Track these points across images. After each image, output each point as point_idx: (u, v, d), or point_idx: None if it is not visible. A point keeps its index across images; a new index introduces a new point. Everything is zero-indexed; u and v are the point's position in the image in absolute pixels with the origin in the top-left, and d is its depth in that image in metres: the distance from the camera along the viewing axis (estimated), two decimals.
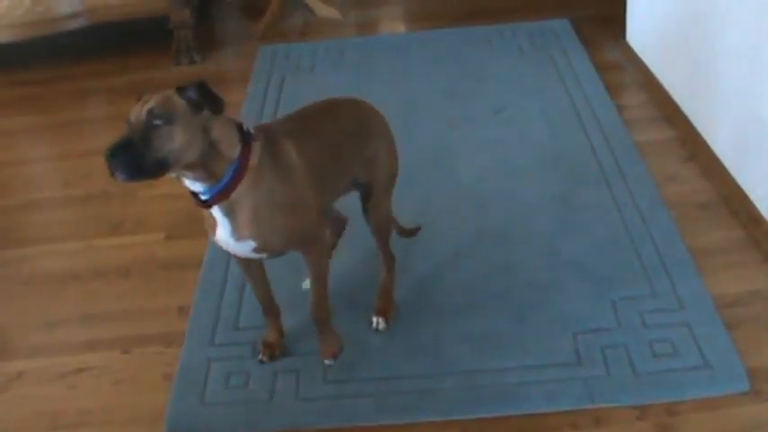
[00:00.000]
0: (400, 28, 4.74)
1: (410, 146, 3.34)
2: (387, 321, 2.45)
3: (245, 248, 2.09)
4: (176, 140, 1.82)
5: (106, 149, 1.79)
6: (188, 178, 1.93)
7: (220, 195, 1.95)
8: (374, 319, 2.45)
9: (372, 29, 4.65)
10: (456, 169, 3.16)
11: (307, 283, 2.49)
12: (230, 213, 2.00)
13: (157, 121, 1.80)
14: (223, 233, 2.05)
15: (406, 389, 2.25)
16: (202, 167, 1.90)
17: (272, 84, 3.94)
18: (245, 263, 2.26)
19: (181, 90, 1.86)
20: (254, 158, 1.97)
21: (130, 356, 2.49)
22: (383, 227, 2.45)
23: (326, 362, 2.34)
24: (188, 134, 1.84)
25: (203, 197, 1.97)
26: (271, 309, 2.38)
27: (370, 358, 2.35)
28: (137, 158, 1.79)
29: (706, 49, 3.01)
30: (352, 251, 2.69)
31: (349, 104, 2.37)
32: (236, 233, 2.03)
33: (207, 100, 1.86)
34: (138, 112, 1.83)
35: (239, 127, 1.99)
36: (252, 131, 2.01)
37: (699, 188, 2.95)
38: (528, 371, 2.27)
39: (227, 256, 2.77)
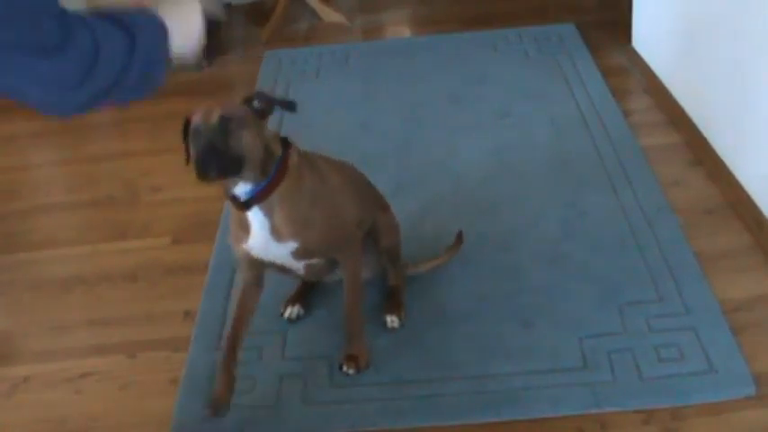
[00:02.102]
0: (406, 33, 4.75)
1: (415, 150, 3.35)
2: (401, 319, 2.46)
3: (284, 251, 2.14)
4: (248, 142, 1.99)
5: (196, 158, 1.93)
6: (243, 180, 2.03)
7: (262, 193, 2.05)
8: (388, 318, 2.46)
9: (378, 33, 4.66)
10: (461, 174, 3.16)
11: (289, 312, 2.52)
12: (269, 213, 2.08)
13: (232, 126, 1.97)
14: (261, 235, 2.11)
15: (412, 394, 2.25)
16: (260, 166, 2.03)
17: (277, 89, 3.94)
18: (246, 293, 2.27)
19: (247, 100, 2.04)
20: (293, 157, 2.10)
21: (137, 361, 2.49)
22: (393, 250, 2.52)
23: (346, 369, 2.32)
24: (255, 135, 2.01)
25: (244, 198, 2.05)
26: (234, 352, 2.21)
27: (376, 363, 2.35)
28: (222, 159, 1.94)
29: (712, 54, 3.01)
30: None
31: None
32: (276, 233, 2.10)
33: (278, 105, 2.09)
34: (205, 120, 1.97)
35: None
36: (287, 137, 2.15)
37: (705, 193, 2.95)
38: (534, 376, 2.27)
39: (233, 260, 2.80)
